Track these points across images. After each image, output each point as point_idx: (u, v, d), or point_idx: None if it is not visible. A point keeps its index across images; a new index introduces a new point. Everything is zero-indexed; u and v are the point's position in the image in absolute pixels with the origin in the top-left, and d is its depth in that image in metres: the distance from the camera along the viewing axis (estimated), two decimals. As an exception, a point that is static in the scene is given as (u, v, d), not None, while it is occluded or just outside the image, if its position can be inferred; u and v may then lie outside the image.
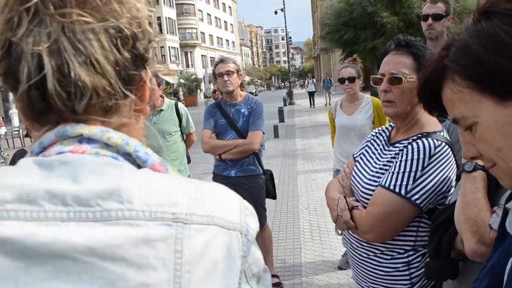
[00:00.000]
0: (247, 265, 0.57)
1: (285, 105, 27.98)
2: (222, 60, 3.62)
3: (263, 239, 3.74)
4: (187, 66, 58.13)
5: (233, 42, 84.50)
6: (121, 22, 0.55)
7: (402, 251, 1.46)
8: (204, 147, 3.64)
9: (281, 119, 17.70)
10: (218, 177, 3.71)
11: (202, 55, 61.79)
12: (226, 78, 3.50)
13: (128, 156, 0.56)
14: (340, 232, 1.62)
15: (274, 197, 3.82)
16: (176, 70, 50.78)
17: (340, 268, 3.85)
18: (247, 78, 79.51)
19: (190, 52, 60.47)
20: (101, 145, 0.55)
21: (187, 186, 0.56)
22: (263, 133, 3.58)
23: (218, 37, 75.20)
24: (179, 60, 54.11)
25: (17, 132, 16.16)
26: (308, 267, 4.01)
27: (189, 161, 4.58)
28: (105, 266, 0.46)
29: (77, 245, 0.46)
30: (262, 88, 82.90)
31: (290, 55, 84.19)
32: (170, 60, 53.01)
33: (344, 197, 1.59)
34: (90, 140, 0.55)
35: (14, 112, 22.04)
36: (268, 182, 3.72)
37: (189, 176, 4.31)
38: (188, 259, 0.50)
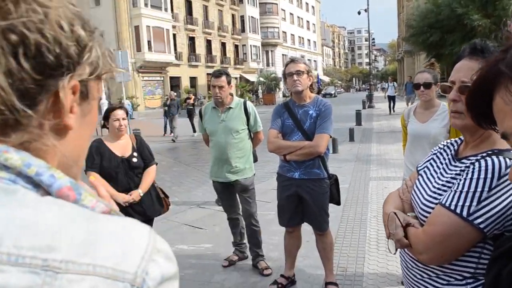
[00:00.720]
0: None
1: (363, 108, 27.24)
2: (292, 60, 3.58)
3: (324, 245, 3.65)
4: (268, 64, 58.61)
5: (314, 42, 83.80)
6: (13, 24, 0.48)
7: (460, 277, 1.32)
8: (269, 147, 3.61)
9: (358, 122, 17.25)
10: (281, 178, 3.68)
11: (283, 54, 61.99)
12: (295, 78, 3.44)
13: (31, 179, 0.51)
14: (393, 251, 1.50)
15: (338, 203, 3.69)
16: (257, 69, 51.37)
17: (403, 284, 3.64)
18: (326, 79, 78.56)
19: (271, 51, 60.91)
20: (1, 166, 0.50)
21: (78, 226, 0.49)
22: (330, 137, 3.47)
23: (299, 37, 75.02)
24: (260, 58, 54.70)
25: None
26: (370, 278, 3.84)
27: (255, 160, 4.58)
28: None
29: None
30: (341, 89, 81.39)
31: (373, 57, 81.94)
32: (251, 58, 53.77)
33: (395, 213, 1.47)
34: None
35: (104, 103, 23.62)
36: (332, 187, 3.60)
37: (254, 174, 4.31)
38: None
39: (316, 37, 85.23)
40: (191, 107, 18.36)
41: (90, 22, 0.58)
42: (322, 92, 56.91)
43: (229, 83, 4.19)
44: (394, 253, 1.52)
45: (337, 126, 16.89)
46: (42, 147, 0.54)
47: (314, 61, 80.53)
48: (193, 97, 19.62)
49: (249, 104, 4.28)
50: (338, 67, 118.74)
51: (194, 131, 17.19)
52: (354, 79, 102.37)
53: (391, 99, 22.99)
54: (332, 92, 59.04)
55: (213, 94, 4.19)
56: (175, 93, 19.72)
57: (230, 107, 4.18)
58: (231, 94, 4.28)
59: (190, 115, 17.99)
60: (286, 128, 3.56)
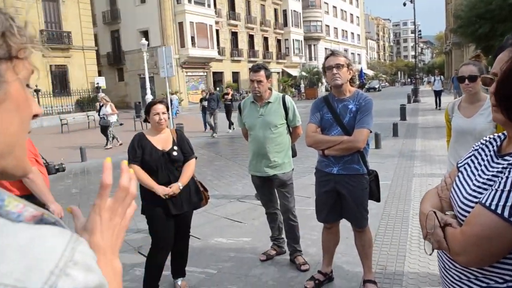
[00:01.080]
0: None
1: (409, 102, 26.51)
2: (332, 53, 3.52)
3: (363, 242, 3.59)
4: (310, 59, 58.05)
5: (358, 35, 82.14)
6: None
7: (501, 280, 1.25)
8: (308, 141, 3.58)
9: (403, 117, 16.81)
10: (320, 173, 3.64)
11: (325, 48, 61.12)
12: (335, 71, 3.39)
13: None
14: (429, 252, 1.44)
15: (378, 199, 3.61)
16: (299, 63, 51.05)
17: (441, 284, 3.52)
18: (370, 73, 76.92)
19: (314, 45, 60.25)
20: None
21: None
22: (370, 132, 3.39)
23: (343, 30, 73.75)
24: (302, 52, 54.28)
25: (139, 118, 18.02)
26: (410, 277, 3.74)
27: (294, 155, 4.56)
28: None
29: None
30: (386, 83, 79.43)
31: (419, 50, 79.31)
32: (294, 52, 53.43)
33: (434, 212, 1.41)
34: None
35: (148, 98, 24.20)
36: (372, 183, 3.53)
37: (292, 169, 4.29)
38: None
39: (360, 30, 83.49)
40: (229, 102, 18.11)
41: None
42: (366, 86, 55.81)
43: (267, 77, 4.18)
44: (430, 254, 1.46)
45: (381, 121, 16.59)
46: None
47: (358, 54, 78.99)
48: (231, 92, 18.95)
49: (288, 99, 4.25)
50: (383, 61, 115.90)
51: (230, 127, 17.29)
52: (399, 72, 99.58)
53: (438, 93, 22.24)
54: (376, 86, 57.72)
55: (252, 89, 4.19)
56: (215, 88, 19.85)
57: (269, 102, 4.17)
58: (270, 89, 4.26)
59: (228, 111, 17.77)
60: (325, 122, 3.51)
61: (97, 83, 30.36)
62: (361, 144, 3.34)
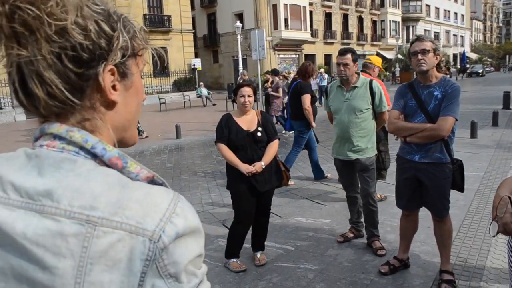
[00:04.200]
0: (162, 264, 0.64)
1: (515, 89, 24.34)
2: (418, 38, 3.45)
3: (442, 232, 3.54)
4: (407, 41, 55.06)
5: (462, 15, 76.22)
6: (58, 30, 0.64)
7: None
8: (390, 128, 3.58)
9: (506, 105, 15.55)
10: (401, 160, 3.63)
11: (425, 30, 57.80)
12: (420, 57, 3.33)
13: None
14: (492, 234, 1.47)
15: (461, 189, 3.50)
16: (395, 45, 48.84)
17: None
18: (474, 56, 71.39)
19: (412, 26, 57.19)
20: (67, 142, 0.69)
21: (114, 192, 0.65)
22: (456, 120, 3.30)
23: (445, 10, 68.88)
24: (399, 34, 51.81)
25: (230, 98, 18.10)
26: (491, 272, 3.62)
27: (379, 140, 4.55)
28: (31, 248, 0.61)
29: (17, 229, 0.62)
30: (491, 68, 73.20)
31: (534, 31, 71.97)
32: (390, 34, 51.24)
33: (510, 197, 1.44)
34: (60, 137, 0.69)
35: (241, 78, 24.86)
36: (456, 173, 3.44)
37: (375, 155, 4.30)
38: (92, 254, 0.61)
39: (465, 9, 77.40)
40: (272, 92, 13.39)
41: (115, 13, 0.72)
42: (468, 71, 51.99)
43: (354, 61, 4.19)
44: (494, 236, 1.49)
45: (479, 109, 15.60)
46: (97, 123, 0.72)
47: (461, 36, 73.59)
48: (271, 79, 14.04)
49: (375, 84, 4.23)
50: (489, 43, 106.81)
51: (285, 128, 11.21)
52: (507, 56, 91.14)
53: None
54: (480, 71, 53.50)
55: (338, 72, 4.23)
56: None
57: (355, 86, 4.19)
58: (357, 73, 4.28)
59: (268, 103, 13.61)
60: (408, 109, 3.48)
61: (194, 65, 31.76)
62: (445, 132, 3.27)
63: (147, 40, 0.79)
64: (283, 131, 11.90)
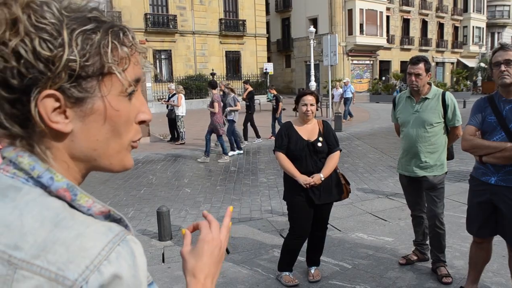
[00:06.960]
0: None
1: None
2: (502, 47, 3.11)
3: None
4: (492, 48, 51.85)
5: (558, 22, 70.32)
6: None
7: None
8: (463, 145, 3.27)
9: None
10: (474, 181, 3.30)
11: (512, 37, 54.05)
12: (503, 68, 3.00)
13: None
14: None
15: (544, 219, 3.11)
16: (478, 53, 46.07)
17: None
18: None
19: (498, 32, 53.55)
20: (18, 167, 0.62)
21: (43, 230, 0.57)
22: (542, 140, 2.93)
23: (538, 16, 63.99)
24: (482, 41, 48.79)
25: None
26: None
27: (451, 157, 4.21)
28: None
29: None
30: None
31: None
32: (473, 41, 48.41)
33: None
34: (13, 162, 0.62)
35: (312, 85, 24.67)
36: (539, 199, 3.06)
37: (446, 173, 3.96)
38: None
39: (562, 16, 71.35)
40: (247, 103, 13.49)
41: (68, 21, 0.60)
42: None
43: (427, 71, 3.89)
44: None
45: None
46: (48, 152, 0.64)
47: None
48: (249, 88, 13.89)
49: (448, 95, 3.91)
50: None
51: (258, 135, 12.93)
52: None
53: None
54: None
55: (409, 82, 3.95)
56: (380, 78, 17.88)
57: (426, 98, 3.90)
58: (429, 84, 3.98)
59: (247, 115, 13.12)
60: (486, 125, 3.15)
61: (266, 69, 32.06)
62: (529, 153, 2.91)
63: (141, 49, 0.68)
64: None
